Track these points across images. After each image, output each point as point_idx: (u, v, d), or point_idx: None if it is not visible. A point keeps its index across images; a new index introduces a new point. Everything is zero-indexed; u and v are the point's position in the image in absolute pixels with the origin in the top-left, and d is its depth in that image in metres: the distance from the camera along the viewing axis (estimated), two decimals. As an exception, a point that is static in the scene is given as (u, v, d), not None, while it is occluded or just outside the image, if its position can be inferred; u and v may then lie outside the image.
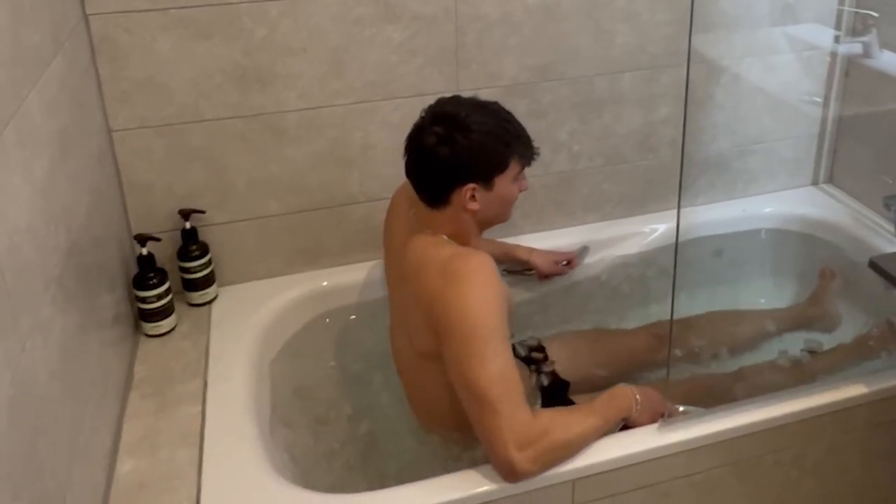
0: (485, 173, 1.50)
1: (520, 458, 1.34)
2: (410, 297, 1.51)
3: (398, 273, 1.61)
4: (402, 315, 1.61)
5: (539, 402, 1.73)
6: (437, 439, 1.65)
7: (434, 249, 1.50)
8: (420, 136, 1.52)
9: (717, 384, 1.80)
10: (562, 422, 1.42)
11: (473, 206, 1.51)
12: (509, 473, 1.36)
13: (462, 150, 1.48)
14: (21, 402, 1.05)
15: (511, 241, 2.05)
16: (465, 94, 1.92)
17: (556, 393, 1.75)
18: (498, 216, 1.58)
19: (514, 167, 1.53)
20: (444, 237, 1.53)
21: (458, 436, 1.61)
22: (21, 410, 1.05)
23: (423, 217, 1.56)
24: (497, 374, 1.36)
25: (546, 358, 1.81)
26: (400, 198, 1.71)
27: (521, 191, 1.57)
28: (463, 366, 1.38)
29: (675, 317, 1.64)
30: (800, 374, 1.84)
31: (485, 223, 1.58)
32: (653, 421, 1.52)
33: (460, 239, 1.54)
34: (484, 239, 1.71)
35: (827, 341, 1.98)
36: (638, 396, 1.50)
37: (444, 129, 1.49)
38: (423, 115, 1.54)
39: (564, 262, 2.06)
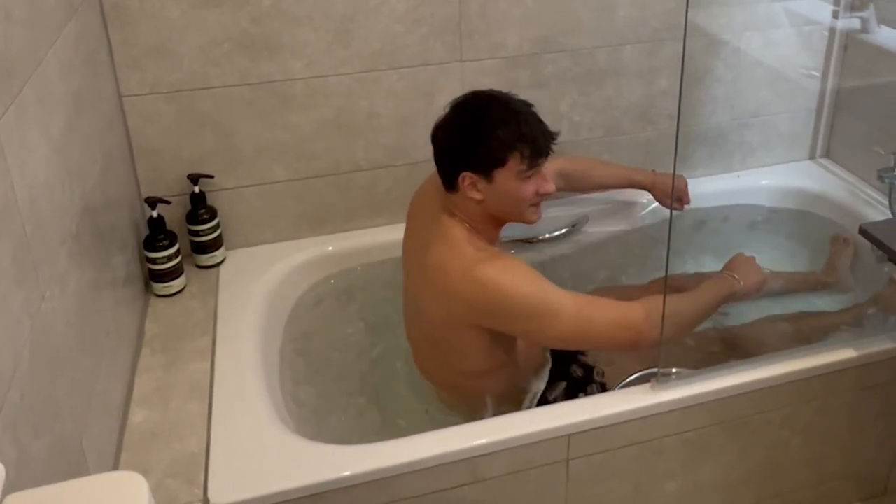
0: (480, 164, 1.50)
1: (642, 325, 1.48)
2: (425, 279, 1.55)
3: (418, 249, 1.62)
4: (416, 290, 1.63)
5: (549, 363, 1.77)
6: (441, 397, 1.70)
7: (457, 249, 1.52)
8: (438, 120, 1.56)
9: (728, 338, 1.84)
10: (662, 299, 1.50)
11: (475, 195, 1.52)
12: (636, 337, 1.49)
13: (456, 140, 1.51)
14: (41, 347, 1.11)
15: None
16: (469, 65, 1.99)
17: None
18: (509, 212, 1.56)
19: (514, 164, 1.49)
20: (466, 226, 1.55)
21: (461, 395, 1.67)
22: (41, 354, 1.10)
23: (445, 198, 1.58)
24: (574, 311, 1.47)
25: None
26: (430, 183, 1.72)
27: (539, 192, 1.54)
28: (546, 334, 1.49)
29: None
30: (808, 330, 1.88)
31: (497, 217, 1.58)
32: (760, 285, 1.68)
33: (475, 225, 1.56)
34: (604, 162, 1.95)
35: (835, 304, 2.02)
36: (735, 275, 1.64)
37: (451, 117, 1.54)
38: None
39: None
